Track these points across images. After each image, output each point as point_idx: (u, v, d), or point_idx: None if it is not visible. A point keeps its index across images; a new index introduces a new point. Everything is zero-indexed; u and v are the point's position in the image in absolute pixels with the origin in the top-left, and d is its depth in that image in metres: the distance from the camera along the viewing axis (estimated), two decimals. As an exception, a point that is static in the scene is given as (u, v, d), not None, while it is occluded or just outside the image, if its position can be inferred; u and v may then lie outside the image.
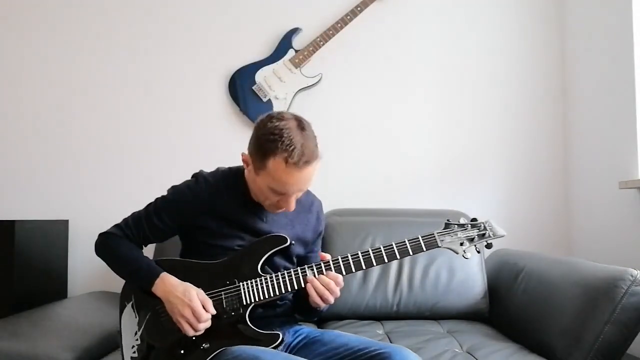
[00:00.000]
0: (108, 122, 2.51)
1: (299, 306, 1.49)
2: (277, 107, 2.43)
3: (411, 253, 1.35)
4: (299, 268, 1.36)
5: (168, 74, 2.52)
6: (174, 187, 1.47)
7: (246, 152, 1.37)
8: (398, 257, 1.35)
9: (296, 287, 1.34)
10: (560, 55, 2.57)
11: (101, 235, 1.46)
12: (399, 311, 2.04)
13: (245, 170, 1.42)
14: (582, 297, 1.57)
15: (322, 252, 1.49)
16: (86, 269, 2.43)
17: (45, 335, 1.66)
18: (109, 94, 2.52)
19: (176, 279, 1.35)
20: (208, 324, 1.31)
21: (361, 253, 1.36)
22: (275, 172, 1.29)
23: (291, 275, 1.35)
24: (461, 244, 1.37)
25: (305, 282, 1.34)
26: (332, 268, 1.35)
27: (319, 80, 2.49)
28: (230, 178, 1.45)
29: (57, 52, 2.52)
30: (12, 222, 2.05)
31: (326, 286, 1.32)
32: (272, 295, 1.34)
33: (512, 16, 2.58)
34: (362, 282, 2.07)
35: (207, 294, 1.34)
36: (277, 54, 2.49)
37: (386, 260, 1.35)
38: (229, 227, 1.41)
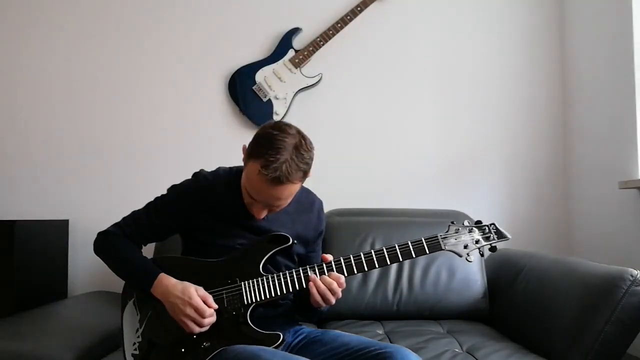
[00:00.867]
0: (108, 122, 2.51)
1: (300, 306, 1.49)
2: (277, 107, 2.43)
3: (414, 255, 1.35)
4: (300, 268, 1.36)
5: (168, 74, 2.52)
6: (173, 186, 1.47)
7: None
8: (401, 259, 1.35)
9: (298, 288, 1.34)
10: (560, 55, 2.57)
11: (100, 234, 1.45)
12: (399, 311, 2.04)
13: None
14: (582, 297, 1.57)
15: (322, 252, 1.49)
16: (86, 269, 2.42)
17: (45, 335, 1.66)
18: (108, 94, 2.52)
19: (174, 278, 1.34)
20: (213, 319, 1.31)
21: (363, 254, 1.35)
22: (250, 173, 1.30)
23: (293, 275, 1.35)
24: (465, 247, 1.36)
25: (307, 282, 1.33)
26: (334, 269, 1.35)
27: (319, 80, 2.48)
28: (231, 177, 1.44)
29: (57, 52, 2.52)
30: (12, 222, 2.05)
31: (328, 286, 1.32)
32: (273, 295, 1.34)
33: (512, 16, 2.58)
34: (362, 281, 2.07)
35: (208, 293, 1.33)
36: (277, 54, 2.49)
37: (389, 262, 1.35)
38: (230, 225, 1.41)
